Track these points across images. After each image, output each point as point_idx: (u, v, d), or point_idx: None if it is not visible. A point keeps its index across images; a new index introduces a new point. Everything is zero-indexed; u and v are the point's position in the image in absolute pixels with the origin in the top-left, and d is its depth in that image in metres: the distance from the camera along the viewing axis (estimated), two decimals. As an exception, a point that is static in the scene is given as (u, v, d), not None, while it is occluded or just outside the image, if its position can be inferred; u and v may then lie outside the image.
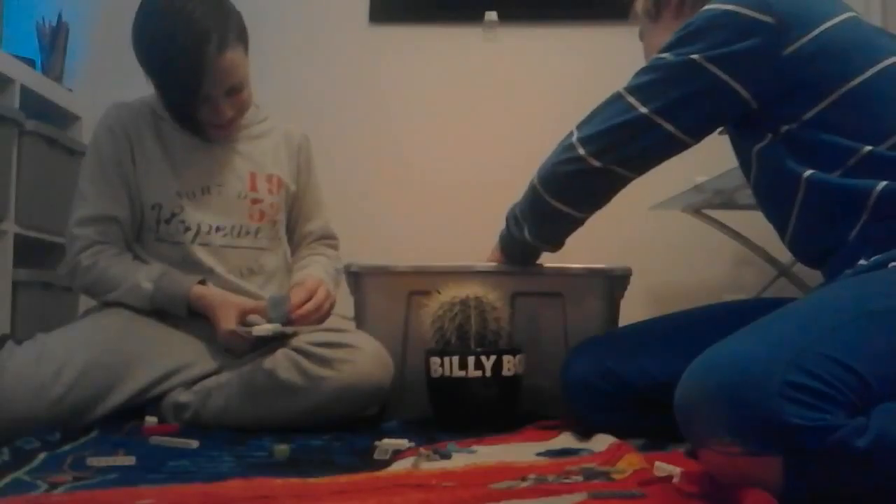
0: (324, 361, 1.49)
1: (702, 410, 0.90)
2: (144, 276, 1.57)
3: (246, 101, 1.63)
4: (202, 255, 1.62)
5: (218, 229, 1.64)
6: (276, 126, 1.77)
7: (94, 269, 1.58)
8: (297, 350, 1.51)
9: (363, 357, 1.51)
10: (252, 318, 1.57)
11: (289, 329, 1.52)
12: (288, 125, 1.80)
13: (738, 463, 0.87)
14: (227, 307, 1.54)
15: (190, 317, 1.57)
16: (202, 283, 1.58)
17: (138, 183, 1.63)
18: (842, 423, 0.82)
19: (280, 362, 1.50)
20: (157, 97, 1.67)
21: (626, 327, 1.52)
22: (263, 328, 1.48)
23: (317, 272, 1.71)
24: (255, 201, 1.69)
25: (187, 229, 1.62)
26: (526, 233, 1.48)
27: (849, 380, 0.85)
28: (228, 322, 1.52)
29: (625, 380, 1.34)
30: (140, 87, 1.66)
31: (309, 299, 1.59)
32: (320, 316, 1.60)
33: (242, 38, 1.60)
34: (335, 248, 1.86)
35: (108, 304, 1.60)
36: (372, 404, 1.54)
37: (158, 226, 1.62)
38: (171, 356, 1.52)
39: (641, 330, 1.46)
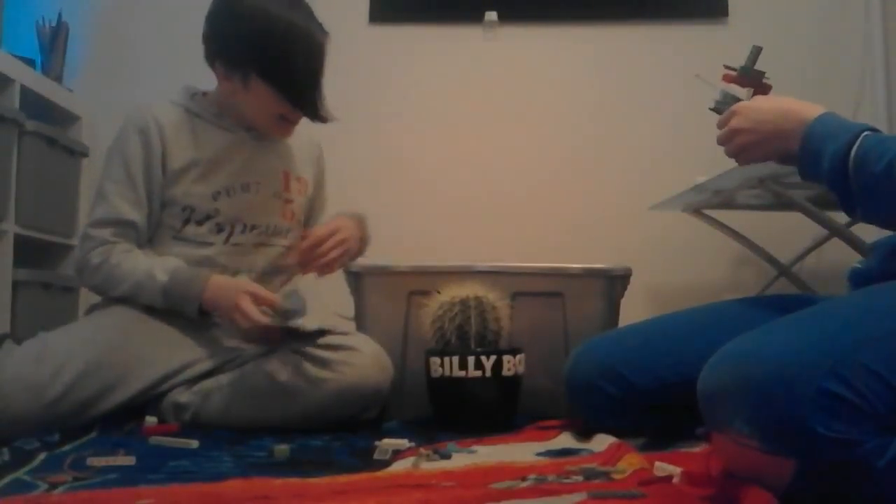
0: (323, 363, 1.49)
1: (727, 398, 0.88)
2: (160, 268, 1.53)
3: None
4: (228, 255, 1.60)
5: (253, 228, 1.64)
6: (299, 129, 1.75)
7: (103, 266, 1.55)
8: (297, 352, 1.51)
9: (362, 359, 1.51)
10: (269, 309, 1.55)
11: (313, 326, 1.53)
12: (306, 130, 1.76)
13: (750, 455, 0.85)
14: (242, 288, 1.51)
15: (199, 316, 1.54)
16: None
17: (168, 185, 1.59)
18: (866, 440, 0.80)
19: (280, 364, 1.50)
20: (186, 95, 1.65)
21: (629, 327, 1.48)
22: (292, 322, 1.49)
23: (345, 216, 1.70)
24: (287, 201, 1.69)
25: (220, 230, 1.61)
26: (846, 196, 1.08)
27: (884, 395, 0.82)
28: (243, 300, 1.48)
29: (631, 382, 1.32)
30: (139, 87, 1.66)
31: (330, 237, 1.58)
32: (341, 253, 1.60)
33: None
34: None
35: (113, 302, 1.57)
36: (371, 406, 1.54)
37: (185, 226, 1.60)
38: (173, 357, 1.51)
39: (646, 330, 1.42)
